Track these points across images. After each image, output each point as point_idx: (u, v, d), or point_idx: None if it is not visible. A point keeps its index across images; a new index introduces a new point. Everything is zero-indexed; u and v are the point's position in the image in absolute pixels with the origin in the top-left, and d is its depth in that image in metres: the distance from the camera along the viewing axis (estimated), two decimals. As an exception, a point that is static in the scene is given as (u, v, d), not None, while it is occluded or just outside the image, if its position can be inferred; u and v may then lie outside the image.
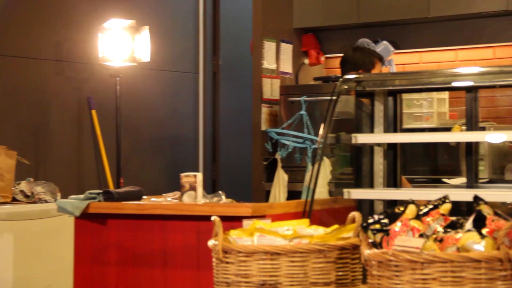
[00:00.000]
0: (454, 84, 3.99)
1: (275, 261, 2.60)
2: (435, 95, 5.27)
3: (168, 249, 3.43)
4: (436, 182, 4.79)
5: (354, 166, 4.82)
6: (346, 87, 3.81)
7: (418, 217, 2.58)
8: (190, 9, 7.00)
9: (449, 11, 5.39)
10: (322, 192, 4.75)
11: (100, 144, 6.09)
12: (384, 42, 5.61)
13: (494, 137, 3.73)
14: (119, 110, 5.92)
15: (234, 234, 2.75)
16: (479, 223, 2.46)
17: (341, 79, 3.80)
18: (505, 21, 5.27)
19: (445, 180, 4.78)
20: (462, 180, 4.59)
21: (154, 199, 3.71)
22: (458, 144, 4.72)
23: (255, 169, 5.66)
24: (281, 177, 5.44)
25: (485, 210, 2.49)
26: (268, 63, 5.86)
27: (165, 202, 3.60)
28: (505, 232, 2.35)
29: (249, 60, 5.92)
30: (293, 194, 5.28)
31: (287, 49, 6.00)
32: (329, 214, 3.76)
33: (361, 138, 3.77)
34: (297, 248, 2.61)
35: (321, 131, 3.67)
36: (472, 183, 3.67)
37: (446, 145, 4.88)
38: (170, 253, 3.42)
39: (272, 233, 2.74)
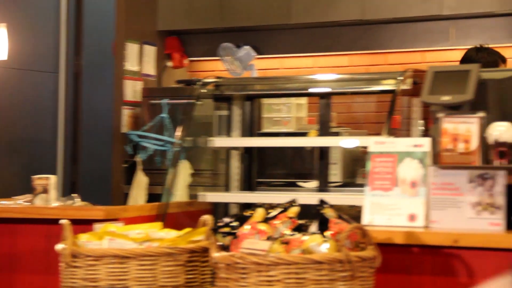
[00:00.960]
0: (310, 90, 4.11)
1: (124, 264, 2.59)
2: (294, 100, 5.38)
3: (17, 254, 3.34)
4: (292, 185, 4.90)
5: (212, 169, 4.86)
6: (204, 91, 3.85)
7: (266, 220, 2.63)
8: (52, 7, 6.83)
9: (309, 19, 5.52)
10: (181, 194, 4.76)
11: (-47, 145, 5.85)
12: (246, 47, 5.69)
13: (347, 142, 3.86)
14: (-27, 110, 5.71)
15: (83, 238, 2.72)
16: (323, 226, 2.55)
17: (198, 83, 3.84)
18: (360, 30, 5.47)
19: (300, 183, 4.89)
20: (316, 183, 4.72)
21: (4, 202, 3.60)
22: (313, 148, 4.85)
23: (115, 172, 5.60)
24: (141, 180, 5.40)
25: (329, 213, 2.58)
26: (131, 65, 5.81)
27: (15, 205, 3.50)
28: (346, 234, 2.44)
29: (113, 62, 5.85)
30: (154, 197, 5.25)
31: (150, 51, 5.98)
32: (185, 217, 3.78)
33: (218, 142, 3.82)
34: (147, 252, 2.61)
35: (178, 134, 3.69)
36: (323, 186, 3.79)
37: (302, 149, 5.00)
38: (19, 257, 3.34)
39: (122, 236, 2.72)
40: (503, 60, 4.46)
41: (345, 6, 5.38)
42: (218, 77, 4.03)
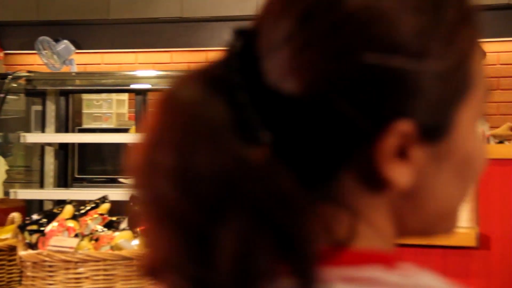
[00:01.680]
0: (129, 86, 4.10)
1: None
2: (114, 96, 5.33)
3: None
4: (113, 182, 4.85)
5: (27, 166, 4.72)
6: (15, 85, 3.73)
7: (75, 217, 2.60)
8: None
9: (128, 14, 5.49)
10: (-5, 192, 4.60)
11: None
12: (65, 41, 5.56)
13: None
14: None
15: None
16: (134, 221, 2.55)
17: (10, 76, 3.72)
18: (180, 28, 5.50)
19: (121, 180, 4.86)
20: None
21: None
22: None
23: None
24: (-49, 178, 5.15)
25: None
26: None
27: None
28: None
29: None
30: (-34, 195, 5.03)
31: (-38, 43, 5.72)
32: (-4, 216, 3.65)
33: (30, 138, 3.72)
34: None
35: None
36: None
37: (125, 145, 4.97)
38: None
39: None
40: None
41: (164, 3, 5.40)
42: (29, 71, 3.92)
